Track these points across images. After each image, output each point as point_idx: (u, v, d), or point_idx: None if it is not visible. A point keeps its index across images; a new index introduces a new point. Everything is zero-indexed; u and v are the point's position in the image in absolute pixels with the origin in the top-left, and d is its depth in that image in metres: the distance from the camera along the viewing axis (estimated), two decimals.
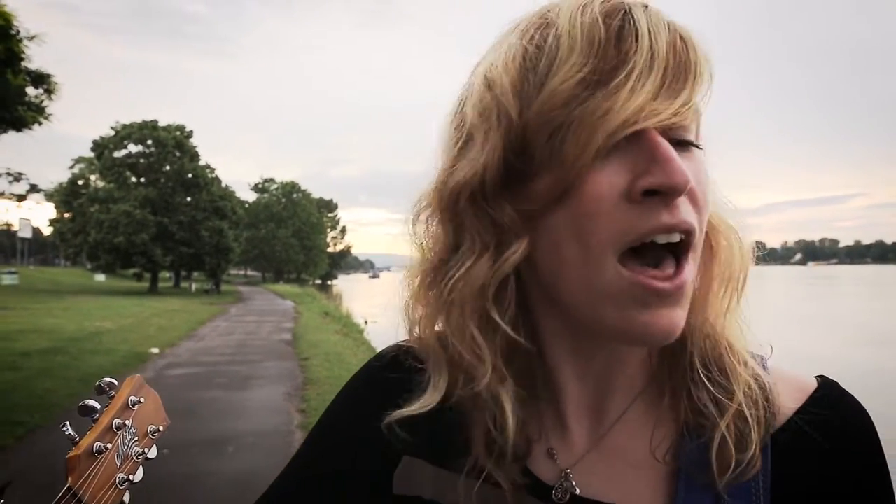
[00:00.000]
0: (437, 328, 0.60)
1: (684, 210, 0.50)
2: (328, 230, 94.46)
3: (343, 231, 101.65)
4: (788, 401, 0.57)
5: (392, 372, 0.68)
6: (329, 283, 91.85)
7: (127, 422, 0.74)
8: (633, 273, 0.50)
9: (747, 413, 0.55)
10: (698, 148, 0.54)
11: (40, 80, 12.98)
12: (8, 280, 35.04)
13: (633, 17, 0.51)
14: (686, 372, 0.58)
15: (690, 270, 0.52)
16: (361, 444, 0.66)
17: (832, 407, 0.57)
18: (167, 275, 49.72)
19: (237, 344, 14.11)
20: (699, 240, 0.53)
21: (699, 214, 0.52)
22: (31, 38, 12.15)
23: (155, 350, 12.18)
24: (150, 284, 41.19)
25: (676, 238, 0.51)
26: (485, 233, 0.55)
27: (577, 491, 0.58)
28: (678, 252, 0.51)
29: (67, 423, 0.69)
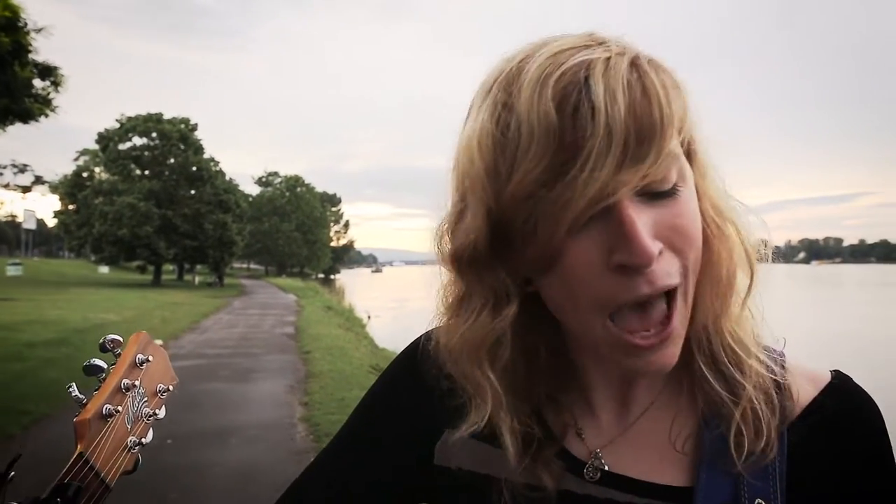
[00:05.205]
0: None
1: (663, 272, 0.52)
2: (331, 224, 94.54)
3: (346, 225, 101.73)
4: (803, 393, 0.62)
5: (424, 364, 0.70)
6: (332, 277, 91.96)
7: (136, 382, 0.69)
8: (620, 330, 0.54)
9: (759, 406, 0.59)
10: (679, 190, 0.54)
11: (47, 72, 13.03)
12: (12, 271, 35.08)
13: (589, 87, 0.49)
14: (699, 370, 0.62)
15: (680, 313, 0.55)
16: (404, 420, 0.72)
17: (843, 398, 0.61)
18: (170, 267, 49.82)
19: (240, 337, 14.18)
20: (690, 276, 0.55)
21: (682, 259, 0.54)
22: (39, 31, 12.22)
23: (158, 342, 12.21)
24: (154, 277, 41.31)
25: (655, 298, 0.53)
26: (484, 292, 0.59)
27: (607, 468, 0.63)
28: (668, 298, 0.54)
29: (74, 384, 0.64)
